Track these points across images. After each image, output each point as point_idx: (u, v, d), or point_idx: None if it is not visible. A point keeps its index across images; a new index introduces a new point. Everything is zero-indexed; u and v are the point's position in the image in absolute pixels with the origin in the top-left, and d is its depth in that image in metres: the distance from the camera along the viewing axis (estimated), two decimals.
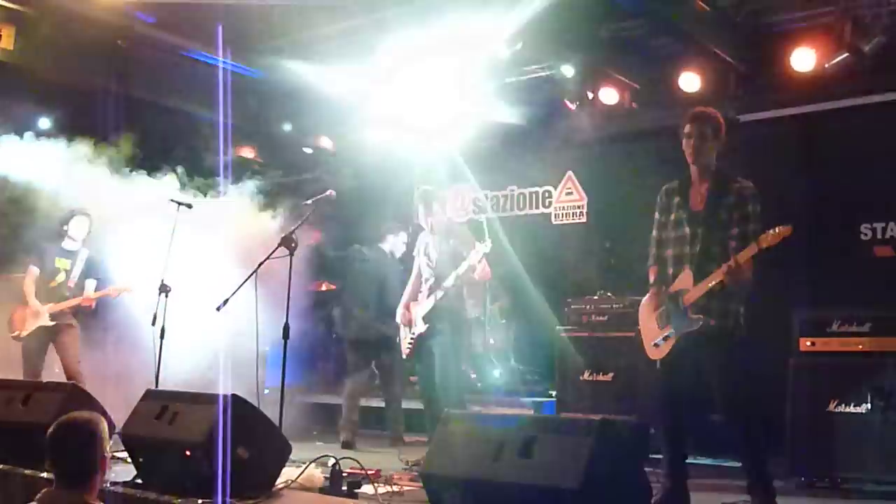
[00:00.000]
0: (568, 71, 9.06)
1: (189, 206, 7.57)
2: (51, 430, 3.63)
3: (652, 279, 5.27)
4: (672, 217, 5.15)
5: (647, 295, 5.30)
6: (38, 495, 3.57)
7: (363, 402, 8.82)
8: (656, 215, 5.30)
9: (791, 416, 6.34)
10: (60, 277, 7.93)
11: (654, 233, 5.30)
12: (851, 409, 6.12)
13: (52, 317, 7.75)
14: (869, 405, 6.04)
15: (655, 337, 5.13)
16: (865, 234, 8.01)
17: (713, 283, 4.81)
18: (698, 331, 4.89)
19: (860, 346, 6.27)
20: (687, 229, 5.04)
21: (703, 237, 4.96)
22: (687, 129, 5.07)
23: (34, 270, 7.94)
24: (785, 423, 6.34)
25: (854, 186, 7.98)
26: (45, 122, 9.85)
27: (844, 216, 8.06)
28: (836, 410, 6.16)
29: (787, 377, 6.41)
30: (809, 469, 6.22)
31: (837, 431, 6.11)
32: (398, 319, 7.29)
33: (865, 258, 7.96)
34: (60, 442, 3.61)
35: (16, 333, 7.83)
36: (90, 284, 7.98)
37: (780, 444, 6.39)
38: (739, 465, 5.06)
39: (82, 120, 8.88)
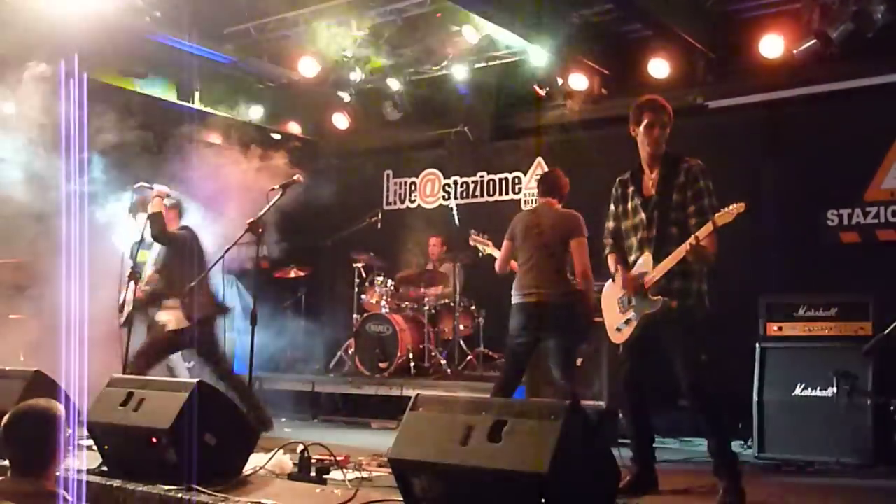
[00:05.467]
0: (538, 56, 9.06)
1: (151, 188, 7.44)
2: (6, 417, 3.59)
3: (612, 268, 5.24)
4: (629, 206, 5.16)
5: (609, 282, 5.30)
6: None
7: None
8: (611, 207, 5.29)
9: (758, 399, 6.40)
10: None
11: (611, 223, 5.28)
12: (818, 392, 6.19)
13: None
14: (835, 389, 6.11)
15: (617, 321, 5.13)
16: (832, 220, 8.07)
17: (675, 262, 4.80)
18: (660, 313, 4.88)
19: (826, 331, 6.35)
20: (643, 215, 5.04)
21: (658, 220, 4.96)
22: (647, 119, 5.02)
23: None
24: (752, 406, 6.40)
25: (821, 173, 8.04)
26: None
27: (811, 202, 8.12)
28: (803, 394, 6.23)
29: (753, 361, 6.47)
30: (776, 452, 6.28)
31: (804, 415, 6.18)
32: None
33: (832, 244, 8.03)
34: (15, 429, 3.57)
35: None
36: None
37: (748, 427, 6.45)
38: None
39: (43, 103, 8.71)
